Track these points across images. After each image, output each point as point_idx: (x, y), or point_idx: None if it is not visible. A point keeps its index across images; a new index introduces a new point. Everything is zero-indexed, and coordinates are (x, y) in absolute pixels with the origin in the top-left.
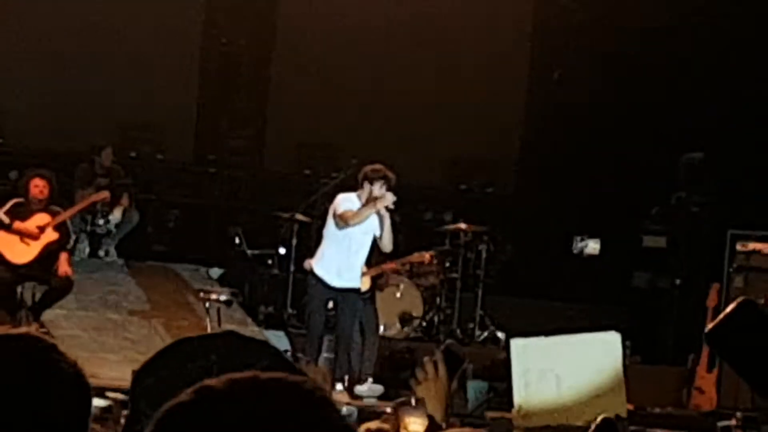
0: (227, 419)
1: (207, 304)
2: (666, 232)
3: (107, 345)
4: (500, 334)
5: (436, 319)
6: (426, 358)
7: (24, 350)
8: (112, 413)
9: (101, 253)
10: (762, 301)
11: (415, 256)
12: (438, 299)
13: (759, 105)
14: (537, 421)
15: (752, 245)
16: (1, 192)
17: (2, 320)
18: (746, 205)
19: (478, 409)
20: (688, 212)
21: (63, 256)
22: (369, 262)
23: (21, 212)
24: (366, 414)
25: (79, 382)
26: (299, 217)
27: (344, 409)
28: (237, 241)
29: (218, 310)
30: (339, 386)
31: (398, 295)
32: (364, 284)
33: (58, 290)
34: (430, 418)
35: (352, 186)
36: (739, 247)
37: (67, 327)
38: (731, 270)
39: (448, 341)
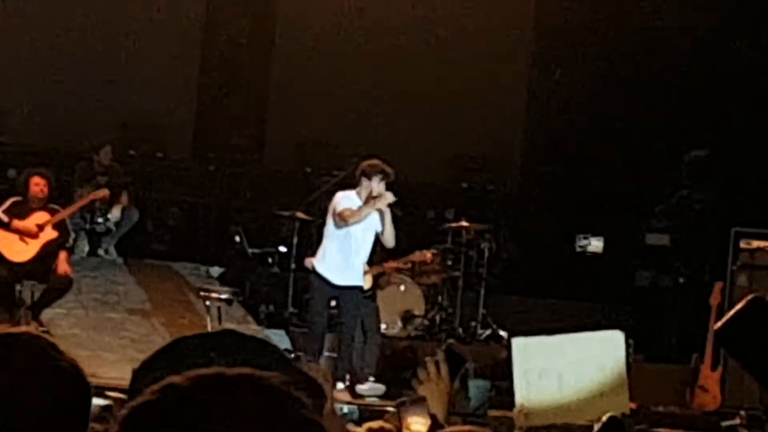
0: (191, 416)
1: (207, 303)
2: (669, 230)
3: (107, 344)
4: (502, 333)
5: (438, 317)
6: (428, 358)
7: (23, 349)
8: (112, 412)
9: (101, 251)
10: None
11: (417, 255)
12: (440, 298)
13: (763, 102)
14: (539, 420)
15: (756, 243)
16: None
17: (1, 319)
18: (750, 202)
19: (481, 408)
20: (692, 210)
21: (62, 255)
22: (371, 261)
23: (20, 211)
24: (368, 413)
25: (78, 380)
26: (300, 215)
27: (345, 408)
28: (237, 239)
29: (218, 308)
30: (340, 385)
31: (400, 293)
32: (366, 283)
33: (57, 289)
34: (433, 417)
35: (353, 184)
36: (743, 244)
37: (66, 326)
38: (735, 268)
39: (450, 341)
